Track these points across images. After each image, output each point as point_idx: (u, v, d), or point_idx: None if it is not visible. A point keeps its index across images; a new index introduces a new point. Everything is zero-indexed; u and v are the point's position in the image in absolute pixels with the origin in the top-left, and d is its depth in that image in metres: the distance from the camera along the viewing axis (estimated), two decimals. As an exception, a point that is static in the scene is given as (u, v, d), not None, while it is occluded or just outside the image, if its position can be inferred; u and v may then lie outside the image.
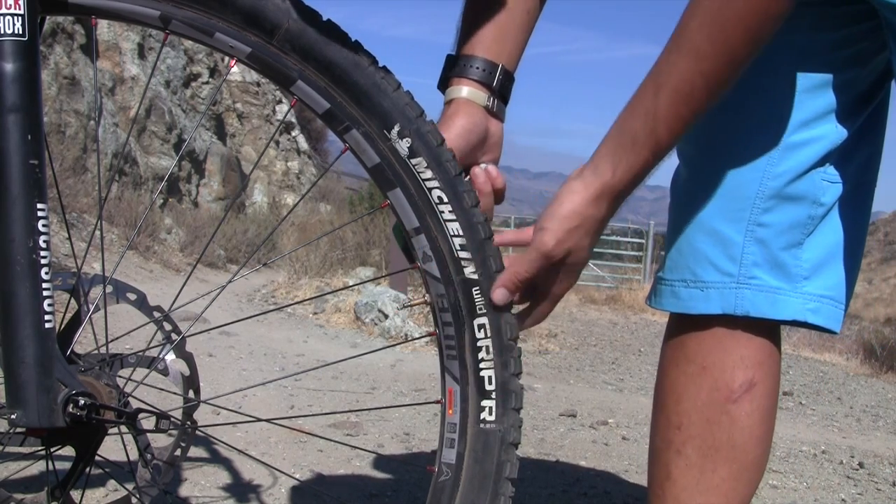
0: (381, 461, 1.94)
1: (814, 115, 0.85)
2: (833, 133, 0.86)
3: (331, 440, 2.04)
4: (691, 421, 0.90)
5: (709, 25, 0.70)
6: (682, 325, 0.93)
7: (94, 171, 8.37)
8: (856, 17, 0.83)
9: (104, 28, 9.87)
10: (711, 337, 0.90)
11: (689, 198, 0.91)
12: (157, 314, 0.88)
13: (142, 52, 10.60)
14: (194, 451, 1.66)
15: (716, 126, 0.86)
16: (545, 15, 0.94)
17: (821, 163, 0.86)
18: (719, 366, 0.89)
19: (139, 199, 8.67)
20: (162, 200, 10.29)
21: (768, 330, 0.90)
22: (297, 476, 1.78)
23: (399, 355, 3.65)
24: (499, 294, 0.75)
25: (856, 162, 0.89)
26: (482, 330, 0.74)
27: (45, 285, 0.64)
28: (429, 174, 0.72)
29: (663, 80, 0.72)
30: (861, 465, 2.35)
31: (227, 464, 1.75)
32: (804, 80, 0.85)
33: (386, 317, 4.42)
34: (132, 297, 0.88)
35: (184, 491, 1.58)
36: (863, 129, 0.89)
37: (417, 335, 4.16)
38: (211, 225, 9.41)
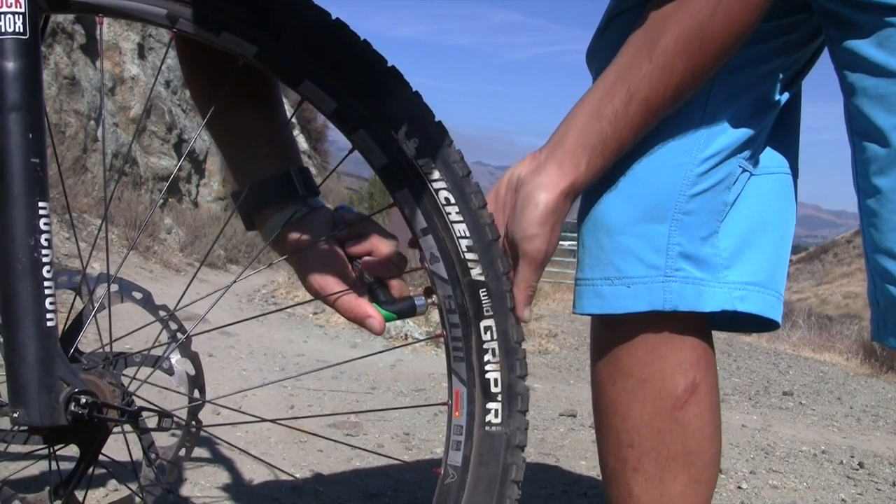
0: (381, 461, 1.94)
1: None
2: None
3: (331, 440, 2.04)
4: (642, 436, 0.87)
5: (685, 44, 0.71)
6: (609, 333, 0.89)
7: (94, 171, 8.36)
8: (787, 9, 0.83)
9: (104, 28, 9.86)
10: (643, 345, 0.86)
11: (607, 186, 0.85)
12: (162, 313, 0.88)
13: (142, 52, 10.58)
14: (194, 451, 1.66)
15: None
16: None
17: (741, 149, 0.85)
18: (658, 375, 0.86)
19: (139, 199, 8.67)
20: (162, 200, 10.28)
21: (697, 326, 0.87)
22: (297, 476, 1.78)
23: (399, 355, 3.64)
24: (526, 313, 0.76)
25: (776, 150, 0.89)
26: (488, 332, 0.73)
27: (46, 284, 0.64)
28: (436, 175, 0.71)
29: (634, 89, 0.74)
30: (861, 465, 2.35)
31: (227, 463, 1.75)
32: (732, 64, 0.83)
33: (386, 317, 4.41)
34: (138, 295, 0.88)
35: (184, 490, 1.58)
36: (780, 118, 0.89)
37: (417, 335, 4.16)
38: (211, 225, 9.41)
